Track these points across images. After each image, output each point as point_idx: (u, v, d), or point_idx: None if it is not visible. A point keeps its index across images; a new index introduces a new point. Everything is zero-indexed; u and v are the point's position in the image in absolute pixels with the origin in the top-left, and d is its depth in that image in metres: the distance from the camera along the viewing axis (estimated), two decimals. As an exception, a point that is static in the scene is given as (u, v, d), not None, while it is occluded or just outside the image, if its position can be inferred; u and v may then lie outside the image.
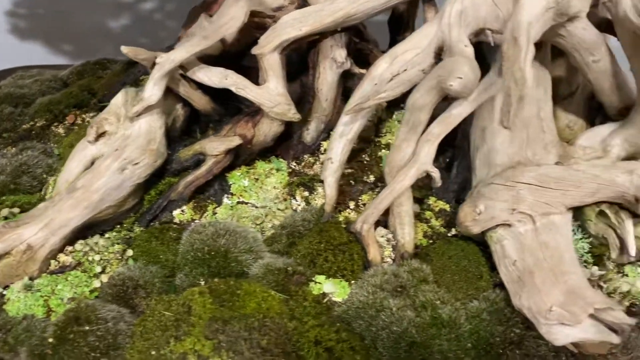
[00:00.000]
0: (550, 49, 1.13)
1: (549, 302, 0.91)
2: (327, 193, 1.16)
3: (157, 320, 0.97)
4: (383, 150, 1.33)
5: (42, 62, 1.97)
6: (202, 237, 1.11)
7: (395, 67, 1.06)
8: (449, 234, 1.17)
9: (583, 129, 1.17)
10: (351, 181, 1.27)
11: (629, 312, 1.09)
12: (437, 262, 1.09)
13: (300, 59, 1.29)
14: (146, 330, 0.96)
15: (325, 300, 1.04)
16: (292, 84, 1.29)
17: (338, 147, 1.14)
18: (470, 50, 0.99)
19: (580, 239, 1.11)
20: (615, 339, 0.91)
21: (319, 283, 1.06)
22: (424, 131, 1.05)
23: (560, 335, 0.90)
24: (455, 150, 1.24)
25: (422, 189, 1.25)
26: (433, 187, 1.25)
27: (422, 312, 1.00)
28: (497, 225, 1.02)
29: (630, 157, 1.08)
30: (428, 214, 1.21)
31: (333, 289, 1.04)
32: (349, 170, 1.29)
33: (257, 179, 1.27)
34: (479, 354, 0.97)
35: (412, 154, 1.05)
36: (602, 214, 1.06)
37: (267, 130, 1.18)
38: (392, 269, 1.07)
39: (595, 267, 1.10)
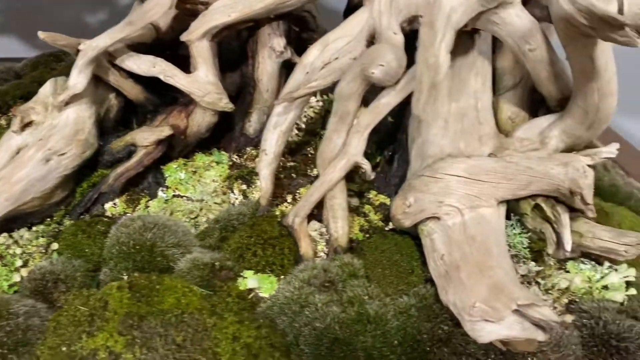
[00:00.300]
0: (491, 39, 1.10)
1: (473, 298, 0.87)
2: (262, 186, 1.13)
3: (71, 315, 0.94)
4: (329, 143, 1.30)
5: (19, 55, 1.95)
6: (129, 231, 1.07)
7: (326, 55, 1.03)
8: (387, 228, 1.14)
9: (525, 121, 1.14)
10: (293, 174, 1.24)
11: (568, 309, 1.06)
12: (369, 256, 1.06)
13: (241, 48, 1.26)
14: (59, 326, 0.93)
15: (250, 296, 1.00)
16: (232, 74, 1.26)
17: (272, 139, 1.11)
18: (399, 38, 0.95)
19: (519, 233, 1.08)
20: (541, 336, 0.87)
21: (246, 278, 1.02)
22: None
23: (484, 332, 0.86)
24: (397, 143, 1.21)
25: (364, 182, 1.22)
26: (374, 181, 1.22)
27: (348, 308, 0.96)
28: (428, 219, 0.99)
29: (569, 150, 1.05)
30: (367, 207, 1.17)
31: (259, 284, 1.00)
32: (292, 164, 1.26)
33: (195, 172, 1.24)
34: (406, 352, 0.94)
35: (342, 146, 1.02)
36: (538, 207, 1.03)
37: (200, 120, 1.14)
38: (323, 264, 1.03)
39: (533, 263, 1.07)
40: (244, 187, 1.20)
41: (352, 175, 1.12)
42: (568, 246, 1.01)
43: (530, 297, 0.86)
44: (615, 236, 1.00)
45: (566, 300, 1.06)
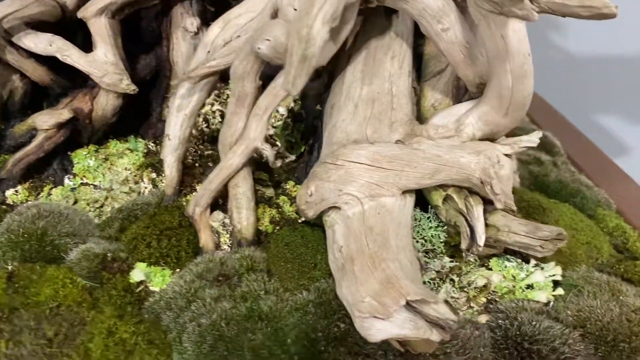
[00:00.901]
0: (412, 21, 1.04)
1: (363, 293, 0.81)
2: (166, 174, 1.06)
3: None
4: (253, 132, 1.23)
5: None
6: (22, 219, 1.01)
7: (228, 32, 0.96)
8: (300, 221, 1.07)
9: (448, 108, 1.07)
10: (210, 163, 1.17)
11: (486, 309, 0.99)
12: (274, 249, 0.99)
13: (158, 29, 1.20)
14: None
15: (139, 289, 0.94)
16: (147, 57, 1.19)
17: (176, 123, 1.04)
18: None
19: (436, 227, 1.01)
20: (435, 336, 0.80)
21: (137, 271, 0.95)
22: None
23: (374, 330, 0.79)
24: (317, 131, 1.14)
25: (284, 172, 1.16)
26: (295, 171, 1.16)
27: (239, 304, 0.90)
28: (330, 209, 0.92)
29: (488, 139, 0.98)
30: (282, 198, 1.10)
31: (148, 277, 0.94)
32: (210, 152, 1.19)
33: (106, 159, 1.18)
34: (299, 351, 0.87)
35: (242, 130, 0.95)
36: (450, 199, 0.96)
37: (104, 104, 1.08)
38: (222, 257, 0.97)
39: (447, 259, 1.00)
40: (154, 175, 1.13)
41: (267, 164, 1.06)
42: (481, 240, 0.94)
43: (421, 293, 0.79)
44: (531, 230, 0.93)
45: (484, 300, 0.99)
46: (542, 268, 1.06)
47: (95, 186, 1.14)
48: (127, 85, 1.04)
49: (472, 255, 1.03)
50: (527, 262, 1.06)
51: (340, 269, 0.87)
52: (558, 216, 1.23)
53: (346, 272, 0.85)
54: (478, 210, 0.94)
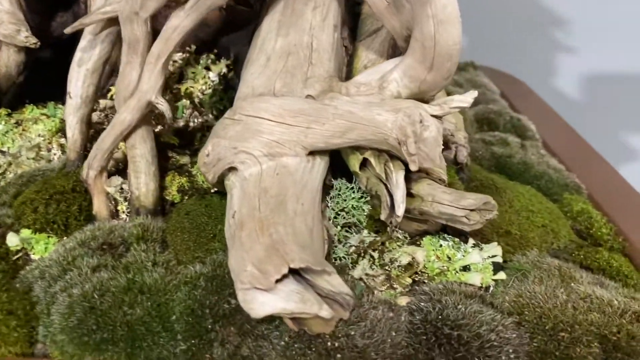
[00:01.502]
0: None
1: (247, 260, 0.70)
2: (68, 136, 0.97)
3: None
4: (183, 100, 1.14)
5: None
6: None
7: (125, -23, 0.86)
8: (213, 191, 0.96)
9: (381, 69, 0.96)
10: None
11: (410, 290, 0.87)
12: (174, 219, 0.89)
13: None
14: None
15: (17, 257, 0.84)
16: (64, 14, 1.11)
17: (77, 79, 0.95)
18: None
19: (360, 198, 0.90)
20: (325, 312, 0.69)
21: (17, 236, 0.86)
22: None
23: (256, 304, 0.68)
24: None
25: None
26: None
27: (120, 275, 0.79)
28: (230, 172, 0.82)
29: (418, 99, 0.87)
30: (197, 167, 1.00)
31: (25, 244, 0.84)
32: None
33: (18, 124, 1.09)
34: (184, 328, 0.77)
35: (137, 81, 0.85)
36: (368, 164, 0.85)
37: (6, 60, 0.99)
38: (113, 225, 0.87)
39: (366, 232, 0.89)
40: (63, 141, 1.04)
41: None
42: (399, 210, 0.82)
43: (308, 260, 0.68)
44: (455, 199, 0.82)
45: (410, 281, 0.87)
46: (482, 248, 0.94)
47: (2, 152, 1.05)
48: (25, 38, 0.95)
49: (400, 232, 0.91)
50: (468, 242, 0.95)
51: (232, 236, 0.76)
52: (513, 197, 1.11)
53: (235, 240, 0.75)
54: (398, 176, 0.82)
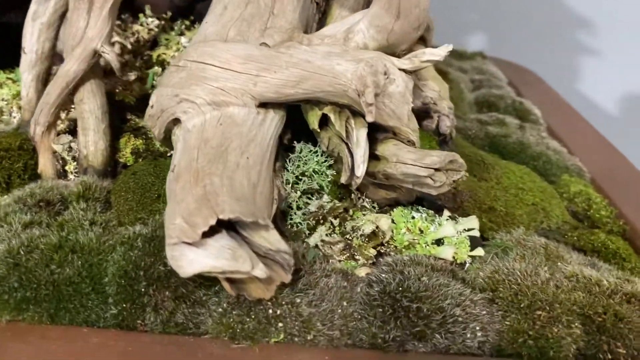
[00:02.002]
0: None
1: (178, 213, 0.63)
2: (22, 95, 0.92)
3: None
4: (155, 68, 1.08)
5: None
6: None
7: None
8: (170, 154, 0.90)
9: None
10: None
11: (375, 263, 0.79)
12: (121, 180, 0.83)
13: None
14: None
15: (-46, 213, 0.79)
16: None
17: (32, 34, 0.90)
18: None
19: (322, 162, 0.82)
20: (259, 272, 0.62)
21: (-47, 193, 0.81)
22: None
23: (185, 261, 0.61)
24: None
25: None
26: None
27: (53, 232, 0.73)
28: (176, 125, 0.75)
29: (389, 54, 0.79)
30: (157, 130, 0.94)
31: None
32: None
33: (-18, 89, 1.04)
34: (115, 291, 0.70)
35: (84, 29, 0.80)
36: (329, 121, 0.77)
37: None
38: (55, 184, 0.81)
39: (327, 197, 0.81)
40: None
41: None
42: (359, 170, 0.75)
43: (240, 211, 0.61)
44: (419, 157, 0.73)
45: (374, 252, 0.79)
46: (457, 221, 0.85)
47: (-38, 115, 1.00)
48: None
49: (368, 201, 0.83)
50: (454, 219, 0.86)
51: (168, 191, 0.70)
52: (502, 174, 1.02)
53: (170, 193, 0.68)
54: (359, 133, 0.75)
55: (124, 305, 0.70)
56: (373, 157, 0.79)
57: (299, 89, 0.73)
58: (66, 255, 0.71)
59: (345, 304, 0.70)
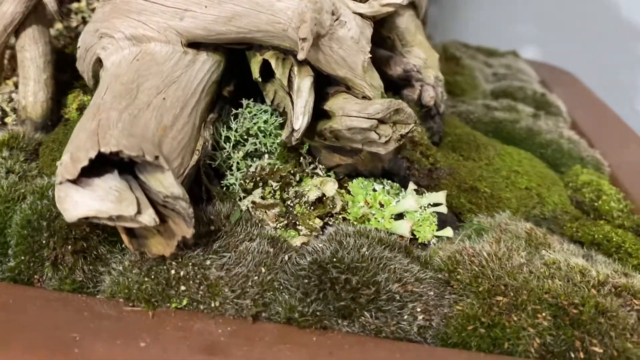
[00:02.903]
0: None
1: (68, 150, 0.55)
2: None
3: None
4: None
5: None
6: None
7: None
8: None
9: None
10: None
11: (320, 231, 0.69)
12: (54, 132, 0.77)
13: None
14: None
15: None
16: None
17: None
18: None
19: (270, 120, 0.73)
20: (147, 218, 0.53)
21: None
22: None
23: (70, 203, 0.54)
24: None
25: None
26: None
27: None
28: (101, 66, 0.68)
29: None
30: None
31: None
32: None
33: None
34: (17, 242, 0.63)
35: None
36: (271, 69, 0.68)
37: None
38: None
39: (267, 157, 0.72)
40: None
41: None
42: (297, 122, 0.65)
43: (128, 146, 0.52)
44: (363, 108, 0.63)
45: (319, 223, 0.69)
46: (421, 194, 0.74)
47: None
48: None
49: (321, 167, 0.73)
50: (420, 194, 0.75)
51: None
52: (495, 155, 0.89)
53: (74, 133, 0.61)
54: (302, 82, 0.65)
55: (23, 257, 0.62)
56: (323, 115, 0.69)
57: (232, 26, 0.65)
58: (-28, 201, 0.65)
59: (263, 270, 0.60)
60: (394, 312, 0.58)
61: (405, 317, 0.58)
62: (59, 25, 0.98)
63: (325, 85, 0.70)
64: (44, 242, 0.63)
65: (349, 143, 0.67)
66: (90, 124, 0.57)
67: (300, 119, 0.65)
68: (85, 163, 0.52)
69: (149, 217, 0.53)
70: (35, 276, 0.63)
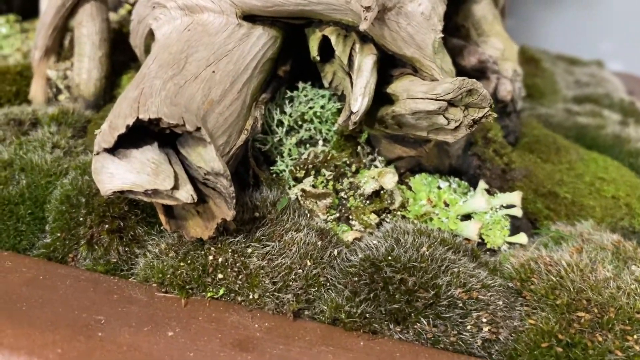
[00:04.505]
0: None
1: (108, 119, 0.52)
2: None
3: None
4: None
5: None
6: None
7: None
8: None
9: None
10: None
11: (377, 226, 0.62)
12: (104, 109, 0.74)
13: None
14: None
15: None
16: None
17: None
18: None
19: (331, 107, 0.68)
20: (184, 194, 0.48)
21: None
22: None
23: (106, 174, 0.50)
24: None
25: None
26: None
27: (7, 150, 0.65)
28: (153, 39, 0.65)
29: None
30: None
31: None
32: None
33: (24, 32, 1.03)
34: (54, 217, 0.60)
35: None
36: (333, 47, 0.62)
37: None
38: (37, 108, 0.74)
39: (322, 143, 0.66)
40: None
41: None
42: (356, 104, 0.59)
43: (168, 114, 0.48)
44: (430, 88, 0.56)
45: (375, 218, 0.62)
46: (494, 195, 0.66)
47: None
48: None
49: (380, 159, 0.67)
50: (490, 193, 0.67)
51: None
52: (578, 159, 0.80)
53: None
54: (364, 61, 0.59)
55: (59, 234, 0.59)
56: (386, 101, 0.63)
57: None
58: (14, 174, 0.63)
59: (309, 263, 0.54)
60: (455, 321, 0.50)
61: (468, 327, 0.50)
62: (122, 11, 0.97)
63: (389, 67, 0.64)
64: (81, 219, 0.59)
65: (412, 131, 0.61)
66: (133, 92, 0.53)
67: (359, 101, 0.58)
68: (123, 130, 0.48)
69: (186, 194, 0.49)
70: (69, 255, 0.59)
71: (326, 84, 0.66)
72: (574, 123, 0.98)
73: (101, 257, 0.58)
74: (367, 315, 0.50)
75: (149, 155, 0.50)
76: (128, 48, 0.83)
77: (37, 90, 0.78)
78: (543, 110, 1.01)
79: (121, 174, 0.50)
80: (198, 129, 0.49)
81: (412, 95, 0.59)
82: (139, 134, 0.51)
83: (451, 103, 0.55)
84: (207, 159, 0.49)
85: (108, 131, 0.50)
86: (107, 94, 0.79)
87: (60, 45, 0.81)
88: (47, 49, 0.78)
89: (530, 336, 0.50)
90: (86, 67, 0.77)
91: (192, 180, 0.52)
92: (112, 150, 0.50)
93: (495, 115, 0.55)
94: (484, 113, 0.55)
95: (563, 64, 1.53)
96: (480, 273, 0.54)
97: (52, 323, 0.48)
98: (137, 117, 0.48)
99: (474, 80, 0.54)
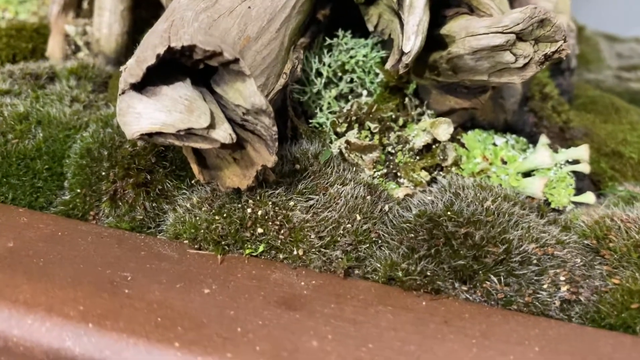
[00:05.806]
0: None
1: (135, 54, 0.46)
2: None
3: None
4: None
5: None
6: None
7: None
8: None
9: None
10: None
11: (429, 182, 0.56)
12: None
13: None
14: None
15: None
16: None
17: None
18: None
19: (374, 56, 0.61)
20: (221, 133, 0.42)
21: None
22: None
23: (132, 116, 0.44)
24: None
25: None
26: None
27: (25, 102, 0.60)
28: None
29: None
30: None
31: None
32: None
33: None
34: (74, 172, 0.54)
35: None
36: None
37: None
38: (54, 63, 0.69)
39: (366, 93, 0.59)
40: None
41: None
42: (407, 44, 0.52)
43: (203, 41, 0.42)
44: (495, 22, 0.50)
45: (426, 176, 0.56)
46: (555, 150, 0.59)
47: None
48: None
49: (429, 112, 0.60)
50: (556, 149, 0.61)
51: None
52: (633, 120, 0.73)
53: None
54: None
55: (79, 190, 0.54)
56: (437, 46, 0.56)
57: None
58: (29, 126, 0.58)
59: (358, 217, 0.48)
60: (530, 279, 0.44)
61: (545, 286, 0.44)
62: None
63: (442, 8, 0.58)
64: (103, 173, 0.54)
65: (471, 76, 0.54)
66: (162, 25, 0.47)
67: (412, 39, 0.52)
68: (153, 61, 0.42)
69: (224, 132, 0.43)
70: (90, 212, 0.54)
71: (371, 28, 0.60)
72: (626, 89, 0.91)
73: (125, 213, 0.52)
74: (429, 273, 0.44)
75: (181, 92, 0.44)
76: (152, 3, 0.78)
77: (54, 47, 0.72)
78: (592, 76, 0.94)
79: (150, 113, 0.44)
80: (236, 60, 0.43)
81: (472, 32, 0.52)
82: (169, 71, 0.45)
83: (519, 37, 0.49)
84: (247, 94, 0.43)
85: (135, 64, 0.44)
86: (129, 50, 0.74)
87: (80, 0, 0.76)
88: (65, 3, 0.73)
89: (616, 297, 0.44)
90: (107, 21, 0.71)
91: (229, 123, 0.46)
92: (140, 88, 0.44)
93: (569, 50, 0.49)
94: (557, 47, 0.48)
95: (600, 38, 1.46)
96: (552, 229, 0.48)
97: (72, 279, 0.43)
98: (169, 46, 0.43)
99: (547, 9, 0.48)
